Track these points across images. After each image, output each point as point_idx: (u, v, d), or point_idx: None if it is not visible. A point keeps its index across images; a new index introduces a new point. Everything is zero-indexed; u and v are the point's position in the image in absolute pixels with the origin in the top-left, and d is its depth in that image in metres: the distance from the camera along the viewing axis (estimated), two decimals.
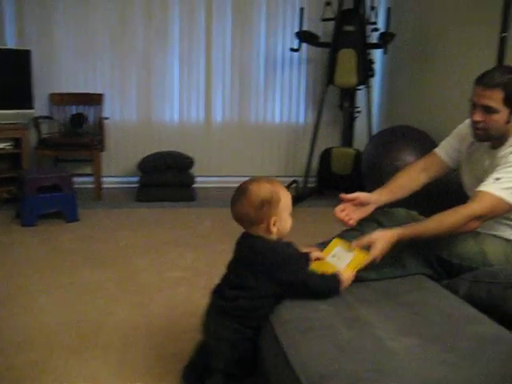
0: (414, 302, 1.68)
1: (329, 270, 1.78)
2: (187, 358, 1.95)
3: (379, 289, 1.80)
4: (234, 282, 1.71)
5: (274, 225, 1.68)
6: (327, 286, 1.70)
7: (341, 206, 2.13)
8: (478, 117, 1.96)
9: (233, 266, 1.77)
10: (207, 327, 1.80)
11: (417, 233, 1.90)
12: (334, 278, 1.72)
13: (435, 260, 1.99)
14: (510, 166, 1.91)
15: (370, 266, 1.87)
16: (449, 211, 1.92)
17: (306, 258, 1.81)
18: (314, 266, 1.81)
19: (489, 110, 1.93)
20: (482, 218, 1.90)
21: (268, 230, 1.69)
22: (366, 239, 1.86)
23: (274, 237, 1.71)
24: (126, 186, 5.11)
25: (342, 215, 2.10)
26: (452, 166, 2.29)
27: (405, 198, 2.27)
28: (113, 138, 5.12)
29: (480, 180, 2.08)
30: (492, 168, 2.03)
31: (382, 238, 1.84)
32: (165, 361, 2.18)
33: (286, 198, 1.71)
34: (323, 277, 1.72)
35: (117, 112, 5.15)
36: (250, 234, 1.72)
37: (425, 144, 4.04)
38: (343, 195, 2.13)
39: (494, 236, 2.03)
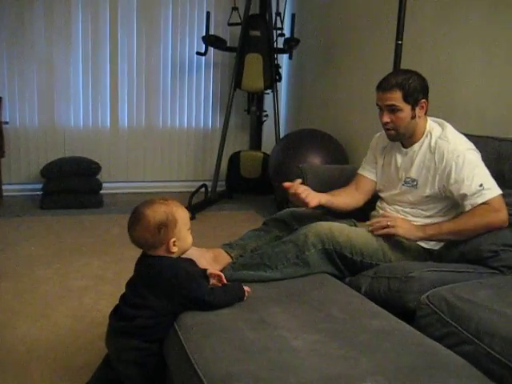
0: (317, 300, 1.72)
1: None
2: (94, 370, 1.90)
3: (283, 288, 1.84)
4: (134, 301, 1.67)
5: (174, 245, 1.66)
6: (230, 300, 1.69)
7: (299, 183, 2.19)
8: (386, 118, 2.14)
9: (133, 286, 1.72)
10: (111, 352, 1.76)
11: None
12: (238, 290, 1.72)
13: (338, 258, 2.05)
14: (474, 168, 2.03)
15: (274, 267, 1.93)
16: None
17: (204, 274, 1.78)
18: None
19: (393, 110, 2.12)
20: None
21: (168, 251, 1.67)
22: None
23: (175, 255, 1.68)
24: (28, 193, 4.89)
25: (303, 192, 2.14)
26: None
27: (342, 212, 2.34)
28: (13, 144, 4.88)
29: (393, 177, 2.22)
30: (404, 165, 2.20)
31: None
32: (71, 373, 2.10)
33: (182, 217, 1.68)
34: (226, 291, 1.70)
35: (17, 116, 4.91)
36: (150, 254, 1.69)
37: (330, 146, 4.17)
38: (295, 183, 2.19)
39: None
